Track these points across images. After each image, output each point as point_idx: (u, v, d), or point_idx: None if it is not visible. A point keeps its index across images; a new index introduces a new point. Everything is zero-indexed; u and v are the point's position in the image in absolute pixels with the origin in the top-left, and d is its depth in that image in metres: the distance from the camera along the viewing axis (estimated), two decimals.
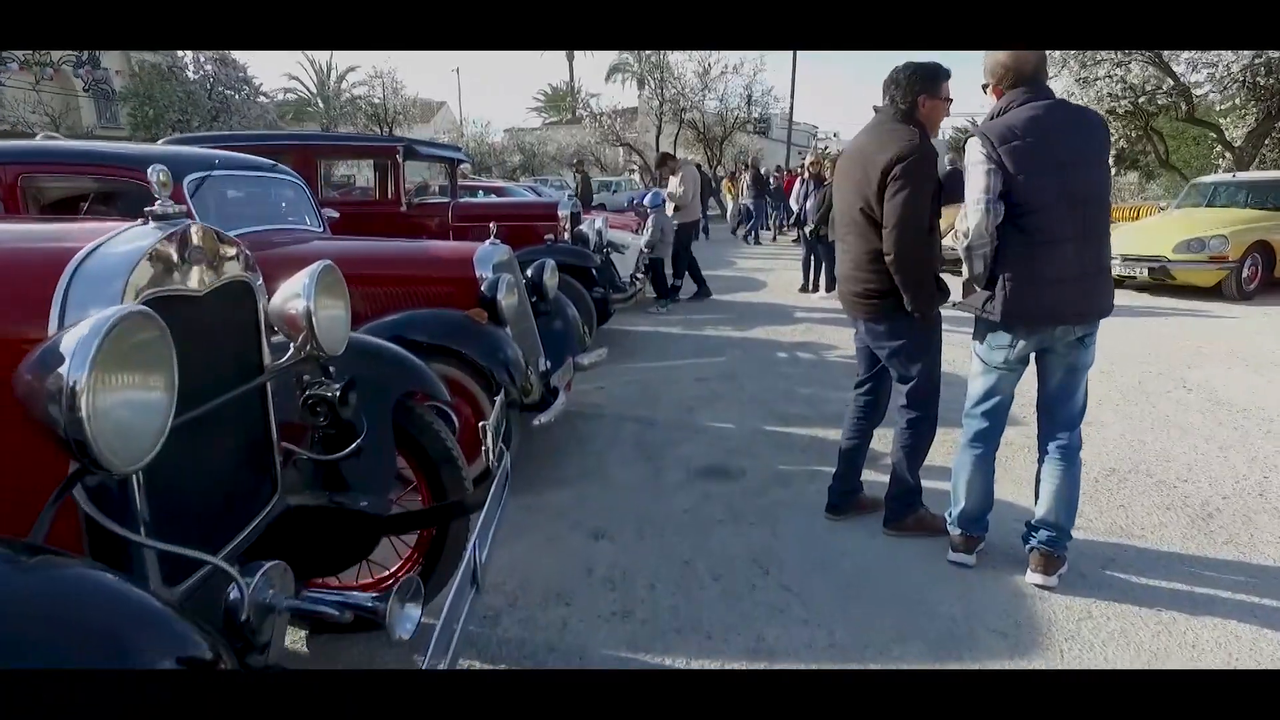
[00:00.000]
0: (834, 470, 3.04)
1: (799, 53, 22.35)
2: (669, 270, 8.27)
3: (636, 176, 25.73)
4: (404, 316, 3.26)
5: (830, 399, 4.79)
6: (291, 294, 1.70)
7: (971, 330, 2.57)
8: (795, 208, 9.47)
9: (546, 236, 5.80)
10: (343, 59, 30.50)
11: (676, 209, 8.23)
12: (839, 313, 8.45)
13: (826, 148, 21.22)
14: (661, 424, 4.30)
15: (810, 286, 9.05)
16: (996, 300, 2.35)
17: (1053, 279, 2.28)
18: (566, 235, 6.20)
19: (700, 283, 8.66)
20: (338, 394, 1.75)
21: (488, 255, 3.54)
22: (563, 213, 6.13)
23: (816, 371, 5.52)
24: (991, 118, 2.37)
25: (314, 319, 1.68)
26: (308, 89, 30.46)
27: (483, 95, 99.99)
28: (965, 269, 2.45)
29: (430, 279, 3.50)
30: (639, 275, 7.28)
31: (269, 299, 1.72)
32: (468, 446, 2.79)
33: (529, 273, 4.14)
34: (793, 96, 24.52)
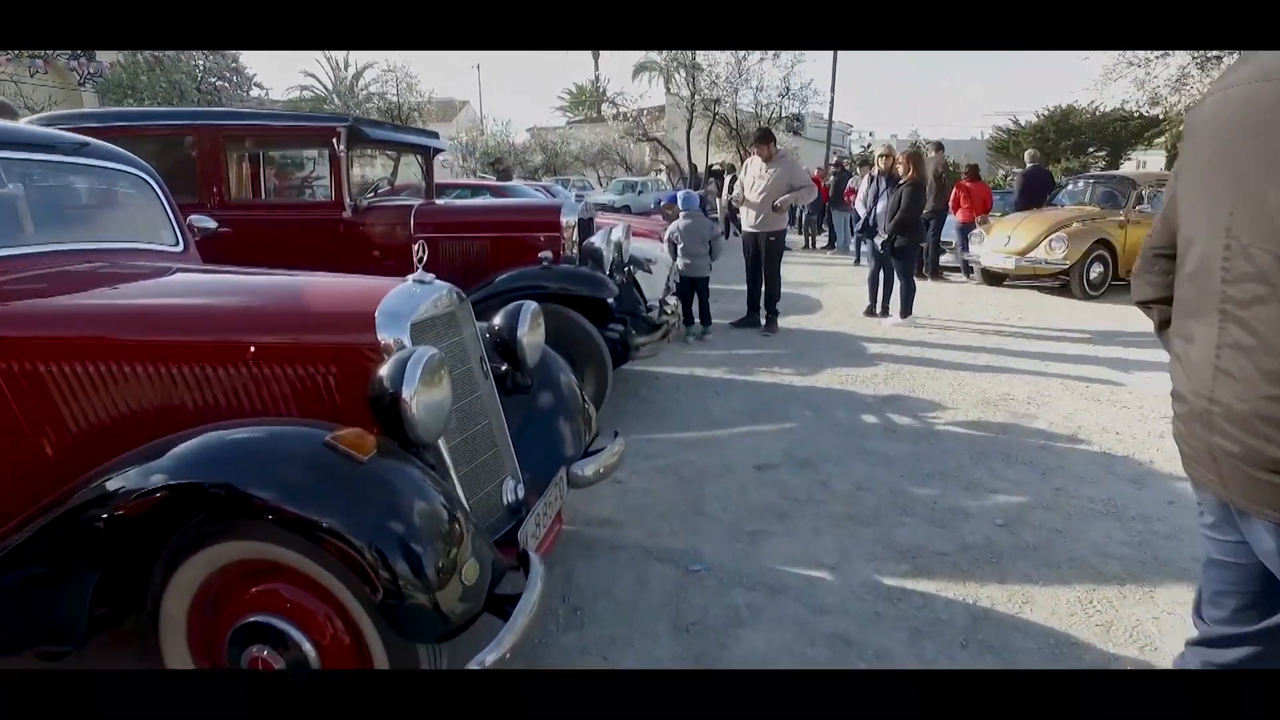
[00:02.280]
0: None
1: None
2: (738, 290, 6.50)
3: (664, 177, 23.95)
4: (237, 441, 1.66)
5: (968, 510, 3.11)
6: None
7: None
8: (863, 212, 7.69)
9: (543, 255, 4.12)
10: (361, 55, 29.29)
11: (775, 209, 6.45)
12: (923, 346, 6.45)
13: (860, 146, 19.35)
14: (711, 568, 2.65)
15: (880, 310, 7.34)
16: None
17: None
18: (575, 250, 4.56)
19: (756, 308, 6.91)
20: None
21: (401, 306, 1.92)
22: (567, 219, 4.41)
23: (927, 451, 3.82)
24: None
25: None
26: (324, 85, 29.29)
27: (506, 94, 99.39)
28: None
29: (305, 351, 1.89)
30: (669, 300, 5.58)
31: None
32: None
33: (496, 322, 2.52)
34: (833, 92, 22.74)
